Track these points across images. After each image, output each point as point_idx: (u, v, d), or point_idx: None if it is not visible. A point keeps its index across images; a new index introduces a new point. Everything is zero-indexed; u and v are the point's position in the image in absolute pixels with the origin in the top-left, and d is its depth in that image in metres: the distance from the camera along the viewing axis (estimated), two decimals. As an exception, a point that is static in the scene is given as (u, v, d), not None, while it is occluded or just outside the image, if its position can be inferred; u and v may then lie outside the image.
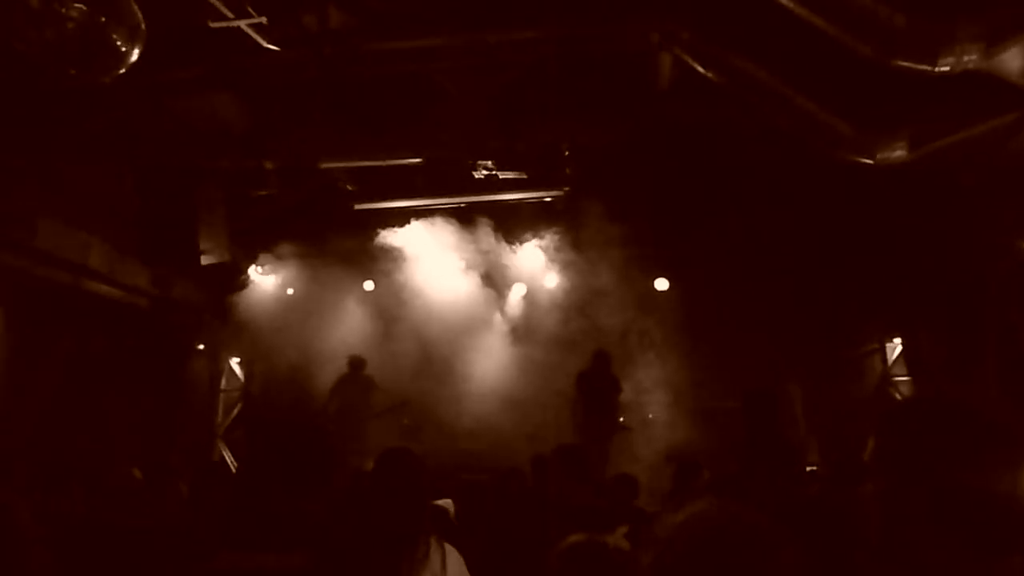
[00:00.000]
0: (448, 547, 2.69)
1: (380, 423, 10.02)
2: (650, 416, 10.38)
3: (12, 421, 8.48)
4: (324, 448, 2.31)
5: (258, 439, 11.42)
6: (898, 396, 9.86)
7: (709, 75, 6.54)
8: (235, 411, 12.06)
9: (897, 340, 10.12)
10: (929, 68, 4.96)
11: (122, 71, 4.52)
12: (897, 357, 10.11)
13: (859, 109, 6.20)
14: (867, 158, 6.23)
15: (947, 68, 4.92)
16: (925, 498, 1.43)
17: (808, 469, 7.65)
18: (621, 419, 9.87)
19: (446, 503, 4.26)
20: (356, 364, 10.10)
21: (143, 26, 4.38)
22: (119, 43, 4.29)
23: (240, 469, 9.28)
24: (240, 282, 10.43)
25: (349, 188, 9.47)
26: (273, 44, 6.40)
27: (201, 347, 11.64)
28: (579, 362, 9.79)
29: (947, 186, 7.33)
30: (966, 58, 4.84)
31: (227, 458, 11.63)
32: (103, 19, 4.18)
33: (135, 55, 4.44)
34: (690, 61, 6.58)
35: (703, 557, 1.16)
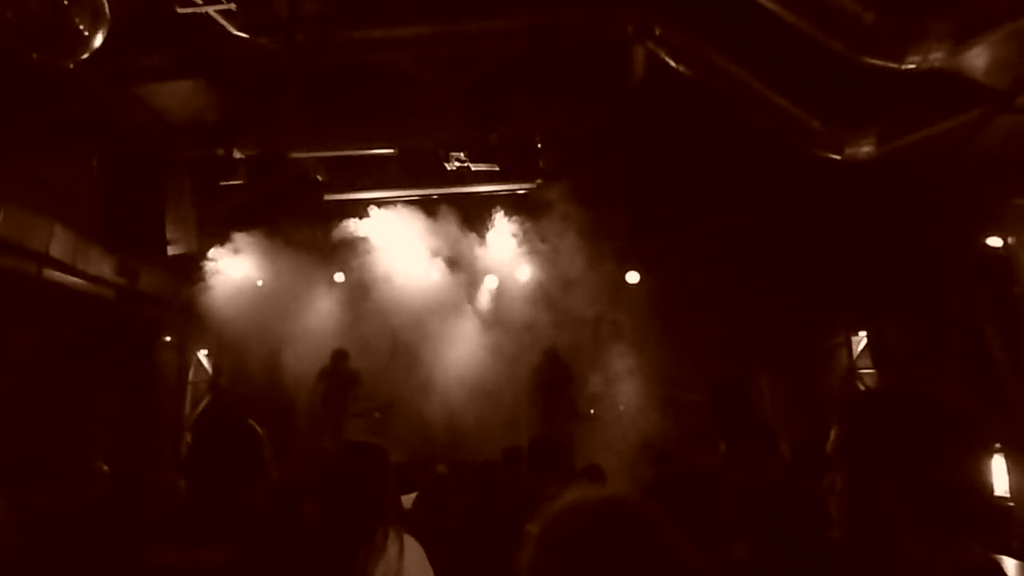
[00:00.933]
0: (408, 538, 2.68)
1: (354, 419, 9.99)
2: (621, 408, 10.46)
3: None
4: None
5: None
6: (863, 388, 10.03)
7: (681, 69, 6.57)
8: (203, 403, 11.93)
9: (863, 333, 10.28)
10: (896, 65, 5.03)
11: (85, 55, 4.42)
12: (863, 350, 10.27)
13: (829, 105, 6.27)
14: (835, 153, 6.31)
15: (913, 65, 4.98)
16: (888, 487, 1.45)
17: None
18: (591, 410, 9.99)
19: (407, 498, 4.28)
20: (338, 357, 10.03)
21: (107, 10, 4.29)
22: (82, 27, 4.20)
23: (184, 463, 9.18)
24: (200, 271, 10.28)
25: (320, 178, 9.39)
26: (242, 31, 6.30)
27: (168, 339, 11.49)
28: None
29: (913, 181, 7.45)
30: (932, 55, 4.91)
31: (195, 451, 11.51)
32: (64, 2, 4.09)
33: (99, 39, 4.35)
34: (662, 55, 6.60)
35: (578, 545, 1.13)
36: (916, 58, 4.95)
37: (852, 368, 10.28)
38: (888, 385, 9.26)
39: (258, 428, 2.30)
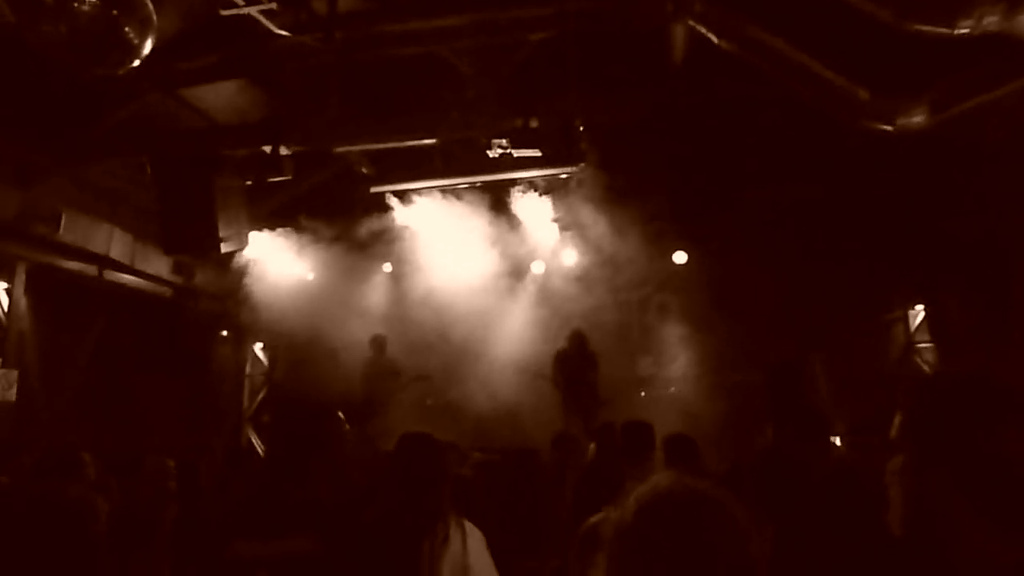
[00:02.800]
0: (469, 526, 2.72)
1: (403, 405, 10.11)
2: (672, 390, 10.40)
3: (43, 413, 8.66)
4: (336, 435, 2.33)
5: (275, 428, 11.63)
6: (922, 364, 9.79)
7: (723, 45, 6.45)
8: (260, 395, 12.24)
9: (920, 307, 10.02)
10: (948, 31, 4.87)
11: (135, 63, 4.54)
12: (920, 324, 10.02)
13: (878, 75, 6.10)
14: (886, 124, 6.14)
15: (967, 30, 4.82)
16: (947, 474, 1.43)
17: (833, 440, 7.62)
18: (642, 393, 9.92)
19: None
20: (378, 344, 10.18)
21: (154, 18, 4.40)
22: (131, 36, 4.31)
23: (262, 457, 9.43)
24: (253, 267, 10.48)
25: (365, 171, 9.48)
26: (284, 29, 6.40)
27: (225, 334, 11.79)
28: (598, 338, 9.84)
29: (969, 150, 7.21)
30: (986, 20, 4.74)
31: (255, 442, 11.82)
32: (115, 12, 4.20)
33: (147, 47, 4.47)
34: (704, 31, 6.49)
35: (659, 529, 1.22)
36: (969, 23, 4.78)
37: (910, 343, 10.04)
38: (950, 362, 9.02)
39: (341, 419, 2.33)
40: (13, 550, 1.41)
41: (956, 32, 4.85)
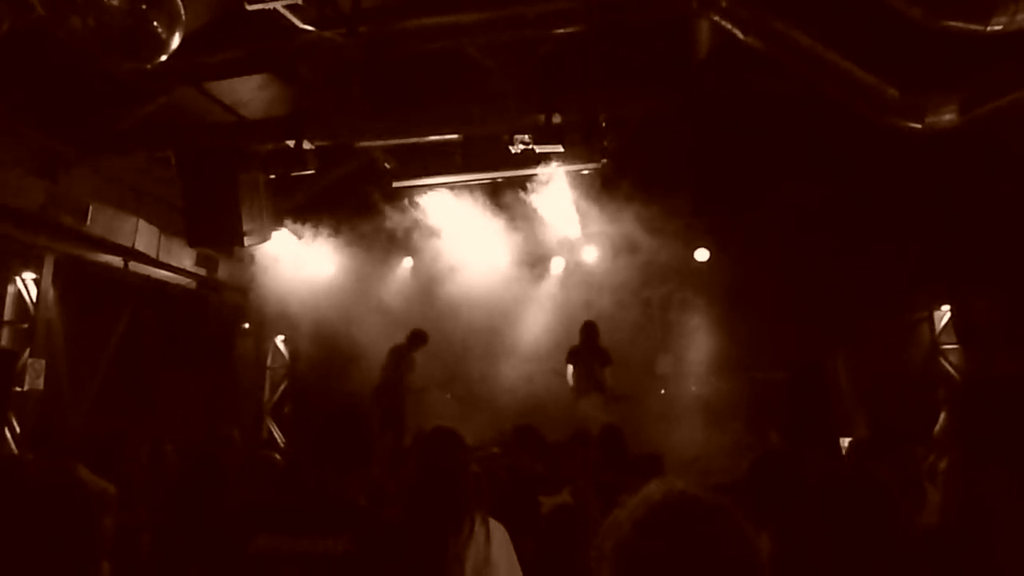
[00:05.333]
0: (493, 523, 2.72)
1: (421, 400, 10.12)
2: (693, 388, 10.34)
3: (70, 402, 8.79)
4: (363, 430, 2.33)
5: (300, 422, 11.69)
6: (948, 366, 9.66)
7: (749, 40, 6.39)
8: (281, 388, 12.33)
9: (946, 308, 9.89)
10: (981, 27, 4.78)
11: (164, 57, 4.59)
12: (945, 325, 9.88)
13: (907, 72, 6.00)
14: (915, 123, 6.04)
15: (1000, 27, 4.73)
16: (1001, 476, 1.39)
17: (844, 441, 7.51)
18: (662, 391, 9.85)
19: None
20: (418, 339, 10.05)
21: (182, 12, 4.44)
22: (159, 30, 4.35)
23: (286, 452, 9.47)
24: (275, 260, 10.51)
25: (387, 166, 9.51)
26: (308, 24, 6.43)
27: (247, 326, 11.89)
28: (619, 335, 9.79)
29: (1000, 150, 7.09)
30: (1021, 16, 4.65)
31: (275, 434, 11.91)
32: (144, 6, 4.24)
33: (176, 41, 4.51)
34: (729, 27, 6.43)
35: (657, 535, 1.19)
36: (1003, 19, 4.69)
37: (935, 344, 9.91)
38: (983, 364, 8.88)
39: (367, 421, 2.33)
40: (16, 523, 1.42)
41: (989, 29, 4.76)
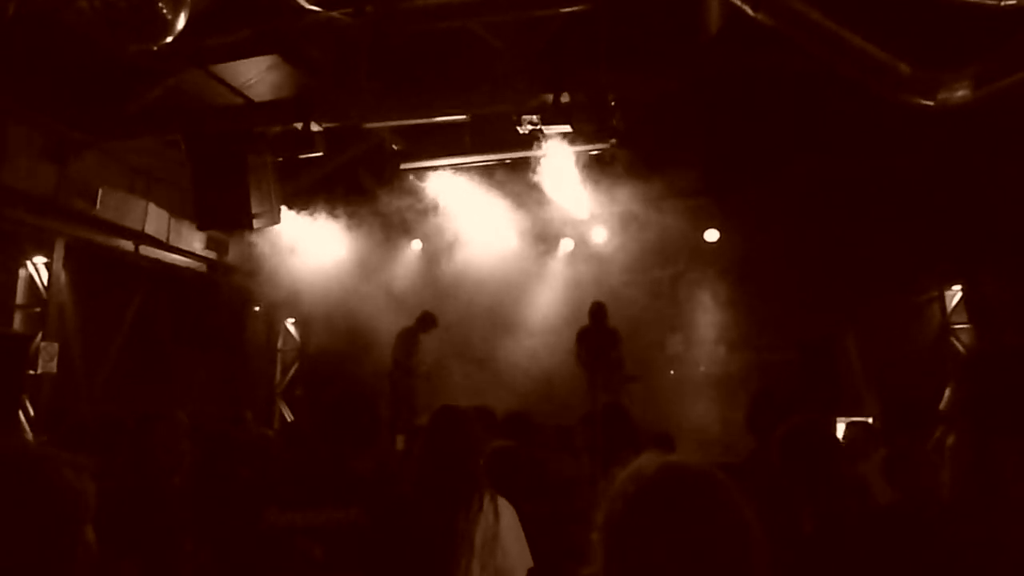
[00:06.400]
0: (501, 501, 2.74)
1: (432, 381, 10.18)
2: (702, 368, 10.34)
3: (82, 384, 8.87)
4: (371, 409, 2.34)
5: (311, 404, 11.75)
6: (959, 345, 9.61)
7: (759, 17, 6.31)
8: (292, 370, 12.40)
9: (957, 287, 9.82)
10: (995, 2, 4.71)
11: (169, 39, 4.58)
12: (957, 304, 9.82)
13: (919, 47, 5.92)
14: (927, 99, 5.96)
15: (1014, 1, 4.66)
16: (1012, 450, 1.38)
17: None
18: (671, 372, 9.84)
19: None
20: (428, 321, 10.12)
21: (187, -7, 4.42)
22: (164, 11, 4.34)
23: (291, 427, 9.53)
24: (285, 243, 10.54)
25: (396, 148, 9.49)
26: (314, 4, 6.39)
27: (257, 309, 11.94)
28: (628, 315, 9.77)
29: (1011, 125, 7.00)
30: (1035, -11, 4.58)
31: (287, 417, 12.00)
32: (148, -12, 4.23)
33: (181, 22, 4.50)
34: (739, 3, 6.35)
35: (649, 508, 1.18)
36: (1017, -8, 4.63)
37: (946, 324, 9.85)
38: (995, 341, 8.83)
39: (375, 400, 2.35)
40: None
41: (1003, 3, 4.69)
